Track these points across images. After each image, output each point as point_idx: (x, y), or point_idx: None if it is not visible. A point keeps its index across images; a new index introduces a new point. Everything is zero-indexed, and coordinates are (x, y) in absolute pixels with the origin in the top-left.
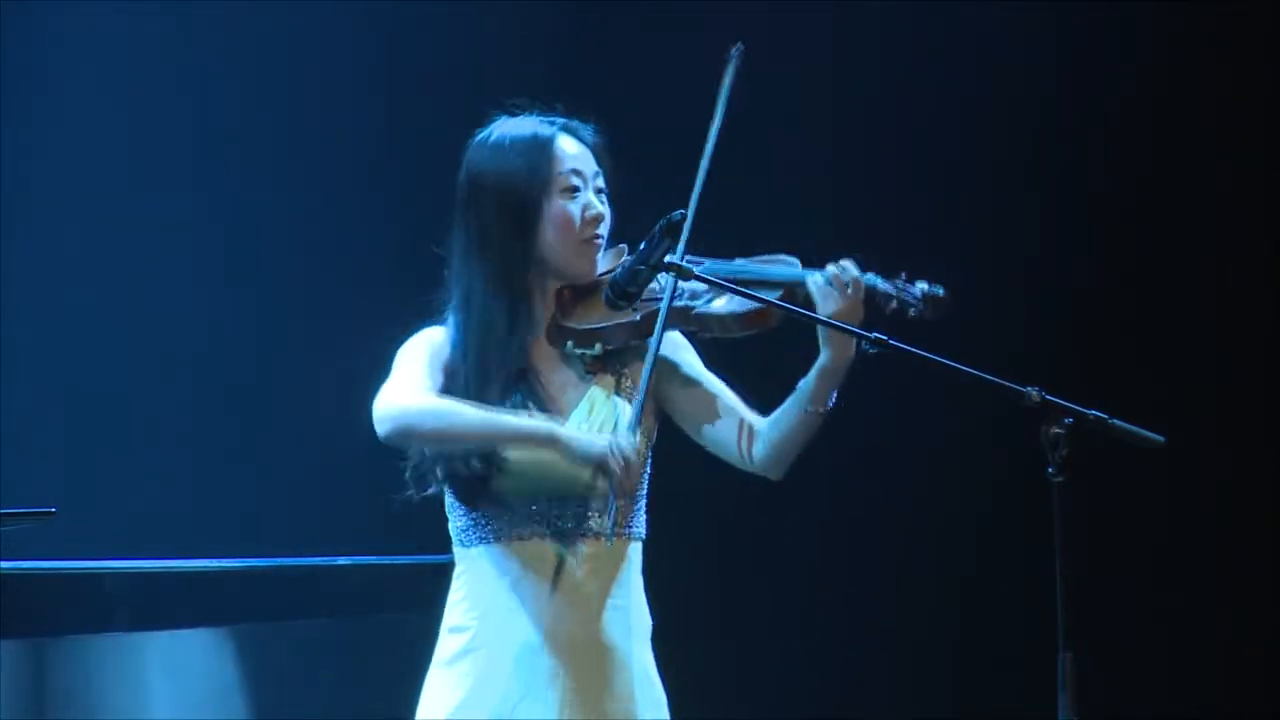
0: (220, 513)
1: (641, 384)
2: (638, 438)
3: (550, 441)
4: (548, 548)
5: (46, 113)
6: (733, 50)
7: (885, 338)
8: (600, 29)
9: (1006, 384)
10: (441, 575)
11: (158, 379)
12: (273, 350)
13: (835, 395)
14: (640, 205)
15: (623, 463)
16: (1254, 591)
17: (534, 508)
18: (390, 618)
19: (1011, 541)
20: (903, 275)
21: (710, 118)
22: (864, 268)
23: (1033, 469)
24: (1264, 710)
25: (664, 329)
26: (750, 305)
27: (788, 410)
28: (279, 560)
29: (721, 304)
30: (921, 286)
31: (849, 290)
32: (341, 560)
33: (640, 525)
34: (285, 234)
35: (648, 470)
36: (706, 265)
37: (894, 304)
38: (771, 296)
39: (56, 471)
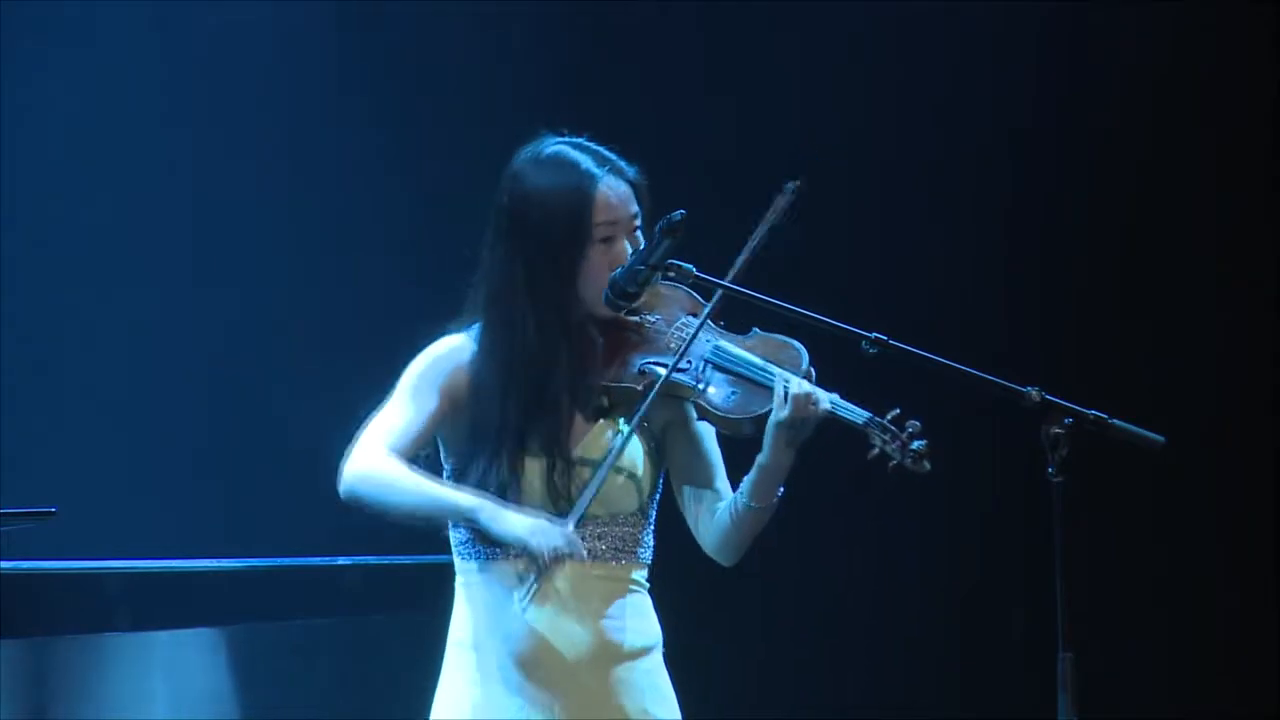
0: (220, 513)
1: (602, 469)
2: (574, 528)
3: (473, 519)
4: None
5: (46, 113)
6: (789, 185)
7: (885, 338)
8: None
9: (1006, 384)
10: (441, 575)
11: (158, 379)
12: (273, 349)
13: (781, 490)
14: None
15: (549, 551)
16: (1254, 591)
17: None
18: (390, 618)
19: (1011, 541)
20: (890, 415)
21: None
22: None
23: (1033, 469)
24: (1264, 710)
25: (649, 402)
26: (741, 413)
27: (732, 505)
28: (279, 560)
29: (714, 392)
30: (910, 431)
31: (805, 411)
32: (341, 560)
33: (647, 550)
34: (286, 234)
35: (658, 493)
36: (719, 344)
37: (875, 450)
38: (758, 406)
39: (56, 471)
